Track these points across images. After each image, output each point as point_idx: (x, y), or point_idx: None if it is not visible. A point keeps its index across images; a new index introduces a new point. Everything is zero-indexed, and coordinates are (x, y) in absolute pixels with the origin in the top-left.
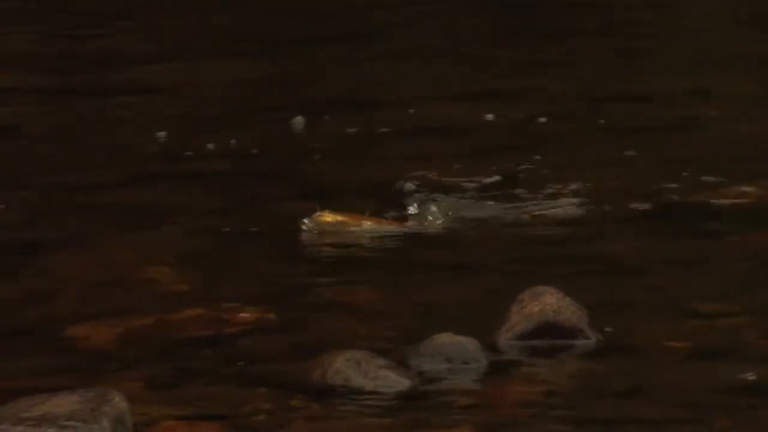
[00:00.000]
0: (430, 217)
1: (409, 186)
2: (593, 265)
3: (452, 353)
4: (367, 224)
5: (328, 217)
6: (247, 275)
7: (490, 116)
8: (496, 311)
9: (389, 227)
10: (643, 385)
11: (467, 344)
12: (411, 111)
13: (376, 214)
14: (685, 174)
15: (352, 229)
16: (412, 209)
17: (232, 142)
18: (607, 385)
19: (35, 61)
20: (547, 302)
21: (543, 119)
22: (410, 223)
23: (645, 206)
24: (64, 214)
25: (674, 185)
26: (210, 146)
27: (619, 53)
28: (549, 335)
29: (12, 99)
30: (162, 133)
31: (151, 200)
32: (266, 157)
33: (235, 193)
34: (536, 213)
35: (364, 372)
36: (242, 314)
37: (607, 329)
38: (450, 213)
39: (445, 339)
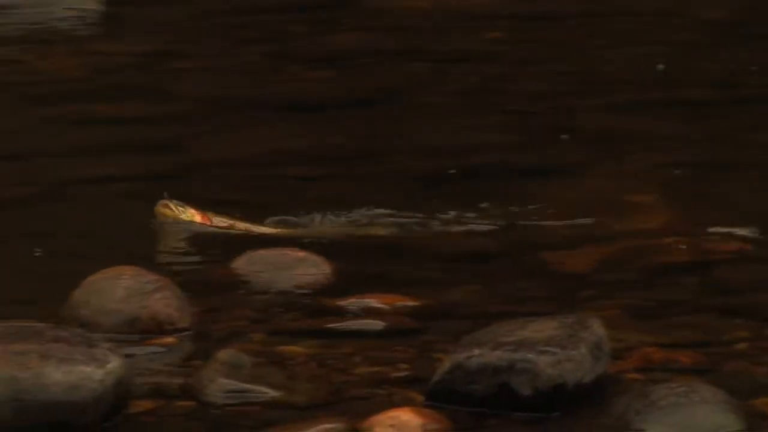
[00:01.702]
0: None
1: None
2: None
3: None
4: (227, 224)
5: (170, 210)
6: (727, 205)
7: None
8: None
9: (256, 230)
10: None
11: None
12: None
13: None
14: None
15: (205, 225)
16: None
17: (730, 68)
18: None
19: None
20: None
21: None
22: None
23: None
24: (548, 141)
25: None
26: (703, 74)
27: None
28: None
29: (492, 26)
30: (661, 66)
31: (637, 128)
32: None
33: (718, 122)
34: None
35: None
36: (723, 244)
37: None
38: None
39: None
